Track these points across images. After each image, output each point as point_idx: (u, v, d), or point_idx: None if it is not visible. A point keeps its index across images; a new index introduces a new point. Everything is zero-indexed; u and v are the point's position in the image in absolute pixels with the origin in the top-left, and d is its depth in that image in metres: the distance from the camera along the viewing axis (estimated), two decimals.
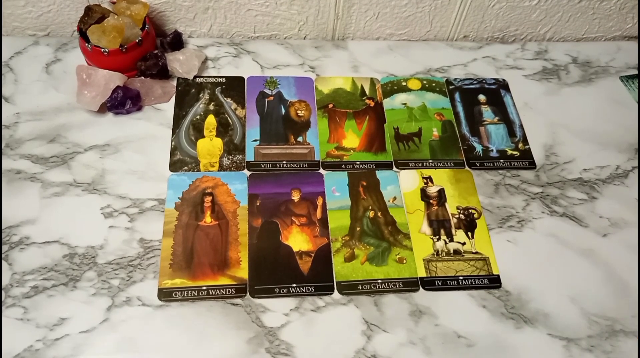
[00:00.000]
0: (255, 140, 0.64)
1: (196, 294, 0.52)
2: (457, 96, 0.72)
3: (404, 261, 0.57)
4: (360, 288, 0.54)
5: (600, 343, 0.53)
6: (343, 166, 0.64)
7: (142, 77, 0.66)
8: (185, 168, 0.61)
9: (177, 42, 0.71)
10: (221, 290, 0.53)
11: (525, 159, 0.67)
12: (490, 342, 0.52)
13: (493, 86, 0.74)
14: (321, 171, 0.63)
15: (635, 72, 0.78)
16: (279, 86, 0.70)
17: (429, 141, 0.67)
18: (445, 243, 0.59)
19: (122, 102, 0.63)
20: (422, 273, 0.56)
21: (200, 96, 0.67)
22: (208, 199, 0.59)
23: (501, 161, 0.66)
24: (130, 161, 0.61)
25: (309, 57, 0.74)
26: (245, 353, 0.49)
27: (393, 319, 0.53)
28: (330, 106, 0.69)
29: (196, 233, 0.56)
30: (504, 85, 0.74)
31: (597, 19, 0.80)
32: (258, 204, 0.59)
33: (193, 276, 0.53)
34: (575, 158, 0.67)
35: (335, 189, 0.61)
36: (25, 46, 0.69)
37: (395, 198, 0.62)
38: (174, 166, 0.61)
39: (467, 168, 0.65)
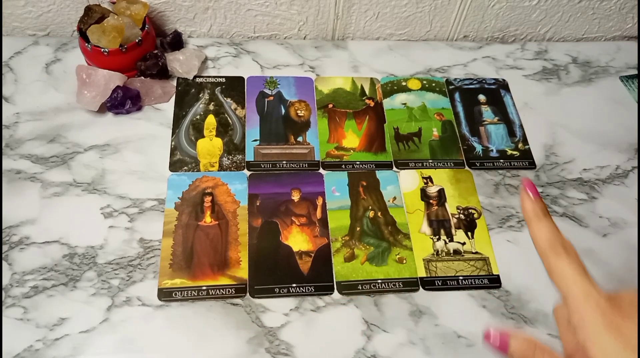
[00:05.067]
0: (255, 140, 0.64)
1: (196, 294, 0.52)
2: (457, 96, 0.72)
3: (404, 261, 0.57)
4: (360, 288, 0.54)
5: None
6: (343, 166, 0.64)
7: (142, 77, 0.66)
8: (185, 168, 0.61)
9: (177, 42, 0.71)
10: (221, 290, 0.53)
11: (525, 159, 0.67)
12: None
13: (493, 86, 0.74)
14: (321, 171, 0.63)
15: (635, 72, 0.78)
16: (278, 86, 0.70)
17: (429, 141, 0.67)
18: (445, 243, 0.59)
19: (122, 102, 0.63)
20: (422, 273, 0.56)
21: (200, 96, 0.67)
22: (208, 199, 0.59)
23: (501, 161, 0.66)
24: (130, 161, 0.61)
25: (309, 57, 0.74)
26: (245, 353, 0.49)
27: (393, 319, 0.53)
28: (330, 106, 0.69)
29: (196, 233, 0.56)
30: (503, 85, 0.74)
31: (597, 19, 0.80)
32: (258, 204, 0.59)
33: (193, 276, 0.53)
34: (575, 158, 0.67)
35: (335, 189, 0.61)
36: (25, 45, 0.69)
37: (395, 198, 0.62)
38: (174, 166, 0.61)
39: (467, 168, 0.65)
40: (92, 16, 0.63)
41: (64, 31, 0.72)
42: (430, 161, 0.65)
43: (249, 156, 0.63)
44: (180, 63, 0.68)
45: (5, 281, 0.51)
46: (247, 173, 0.62)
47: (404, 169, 0.64)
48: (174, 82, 0.68)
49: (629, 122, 0.72)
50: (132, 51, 0.64)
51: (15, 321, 0.49)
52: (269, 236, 0.57)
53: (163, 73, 0.67)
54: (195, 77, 0.69)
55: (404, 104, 0.70)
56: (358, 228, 0.59)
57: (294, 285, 0.54)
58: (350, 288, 0.54)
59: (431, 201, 0.62)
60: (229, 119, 0.66)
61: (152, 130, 0.64)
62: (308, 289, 0.54)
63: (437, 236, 0.59)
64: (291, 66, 0.72)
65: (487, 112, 0.71)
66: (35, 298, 0.51)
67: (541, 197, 0.41)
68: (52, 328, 0.49)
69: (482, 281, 0.56)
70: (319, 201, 0.60)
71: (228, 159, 0.62)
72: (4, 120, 0.62)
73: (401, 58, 0.76)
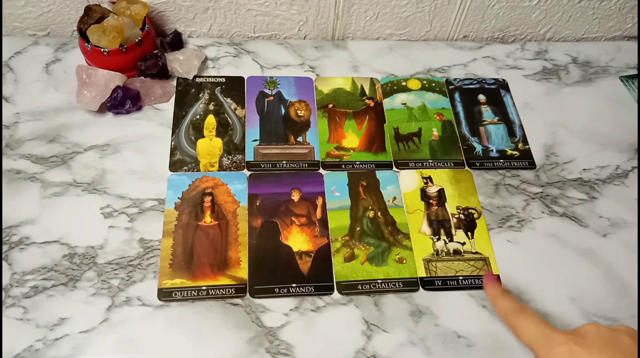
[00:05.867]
0: (255, 140, 0.64)
1: (196, 294, 0.52)
2: (457, 96, 0.72)
3: (404, 261, 0.57)
4: (360, 288, 0.54)
5: None
6: (343, 166, 0.64)
7: (142, 77, 0.66)
8: (185, 168, 0.61)
9: (177, 42, 0.71)
10: (221, 290, 0.53)
11: (525, 159, 0.67)
12: (490, 341, 0.52)
13: (493, 86, 0.74)
14: (321, 171, 0.63)
15: (635, 72, 0.78)
16: (278, 86, 0.70)
17: (429, 141, 0.67)
18: (445, 243, 0.59)
19: (122, 102, 0.63)
20: (422, 273, 0.56)
21: (200, 96, 0.67)
22: (208, 199, 0.59)
23: (501, 161, 0.66)
24: (130, 161, 0.61)
25: (309, 57, 0.74)
26: (245, 353, 0.49)
27: (393, 319, 0.53)
28: (330, 106, 0.69)
29: (196, 233, 0.56)
30: (503, 85, 0.74)
31: (597, 19, 0.80)
32: (258, 204, 0.59)
33: (193, 276, 0.53)
34: (575, 158, 0.67)
35: (335, 189, 0.61)
36: (25, 45, 0.69)
37: (395, 198, 0.62)
38: (174, 166, 0.61)
39: (467, 168, 0.65)
40: (92, 16, 0.63)
41: (64, 31, 0.72)
42: (430, 161, 0.65)
43: (249, 156, 0.63)
44: (180, 63, 0.68)
45: (5, 281, 0.51)
46: (247, 173, 0.62)
47: (404, 169, 0.64)
48: (174, 82, 0.68)
49: (629, 122, 0.72)
50: (132, 51, 0.64)
51: (15, 321, 0.49)
52: (269, 236, 0.57)
53: (163, 73, 0.67)
54: (195, 77, 0.69)
55: (404, 104, 0.70)
56: (358, 228, 0.59)
57: (294, 285, 0.54)
58: (350, 288, 0.54)
59: (431, 201, 0.62)
60: (229, 119, 0.66)
61: (152, 130, 0.64)
62: (308, 289, 0.54)
63: (437, 236, 0.59)
64: (291, 66, 0.72)
65: (487, 112, 0.71)
66: (35, 298, 0.51)
67: (500, 282, 0.53)
68: (52, 328, 0.49)
69: (482, 281, 0.56)
70: (319, 201, 0.60)
71: (228, 159, 0.62)
72: (4, 120, 0.62)
73: (401, 58, 0.76)
